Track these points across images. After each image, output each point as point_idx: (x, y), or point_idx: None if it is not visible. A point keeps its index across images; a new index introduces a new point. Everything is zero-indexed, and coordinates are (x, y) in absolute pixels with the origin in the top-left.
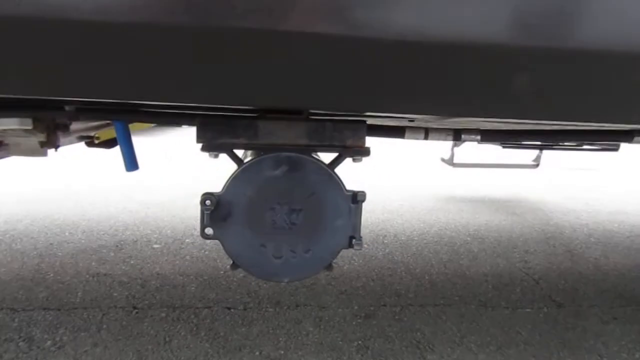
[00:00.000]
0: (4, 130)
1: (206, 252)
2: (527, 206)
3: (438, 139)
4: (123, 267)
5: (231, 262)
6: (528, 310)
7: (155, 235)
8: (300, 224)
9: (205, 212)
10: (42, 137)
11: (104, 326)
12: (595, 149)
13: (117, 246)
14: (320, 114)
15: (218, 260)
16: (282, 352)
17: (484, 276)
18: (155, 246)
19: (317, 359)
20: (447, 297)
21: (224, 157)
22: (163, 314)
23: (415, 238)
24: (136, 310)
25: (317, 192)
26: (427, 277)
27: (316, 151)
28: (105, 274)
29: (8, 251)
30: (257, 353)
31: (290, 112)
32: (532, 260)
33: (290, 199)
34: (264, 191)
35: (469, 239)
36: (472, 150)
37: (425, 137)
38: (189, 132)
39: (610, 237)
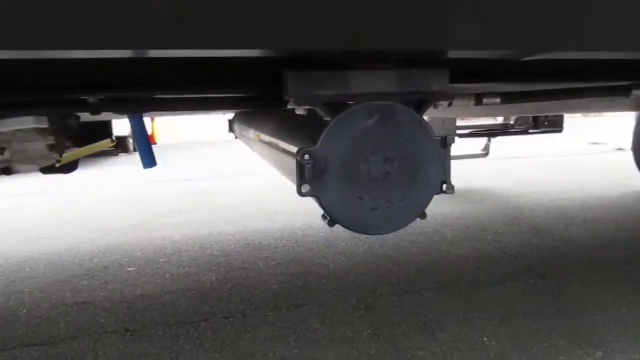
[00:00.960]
0: (13, 132)
1: (186, 269)
2: (484, 193)
3: (462, 105)
4: (102, 293)
5: (327, 219)
6: (515, 284)
7: (126, 259)
8: (394, 172)
9: (307, 165)
10: (51, 140)
11: (100, 352)
12: (540, 131)
13: (88, 274)
14: (406, 61)
15: (201, 275)
16: (296, 350)
17: (465, 258)
18: (130, 269)
19: (333, 352)
20: (438, 281)
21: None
22: (160, 332)
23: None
24: (130, 333)
25: (409, 139)
26: (412, 265)
27: (404, 99)
28: (84, 302)
29: None
30: (271, 355)
31: (377, 60)
32: (504, 240)
33: (384, 148)
34: (358, 142)
35: (439, 227)
36: None
37: (450, 104)
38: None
39: (566, 212)
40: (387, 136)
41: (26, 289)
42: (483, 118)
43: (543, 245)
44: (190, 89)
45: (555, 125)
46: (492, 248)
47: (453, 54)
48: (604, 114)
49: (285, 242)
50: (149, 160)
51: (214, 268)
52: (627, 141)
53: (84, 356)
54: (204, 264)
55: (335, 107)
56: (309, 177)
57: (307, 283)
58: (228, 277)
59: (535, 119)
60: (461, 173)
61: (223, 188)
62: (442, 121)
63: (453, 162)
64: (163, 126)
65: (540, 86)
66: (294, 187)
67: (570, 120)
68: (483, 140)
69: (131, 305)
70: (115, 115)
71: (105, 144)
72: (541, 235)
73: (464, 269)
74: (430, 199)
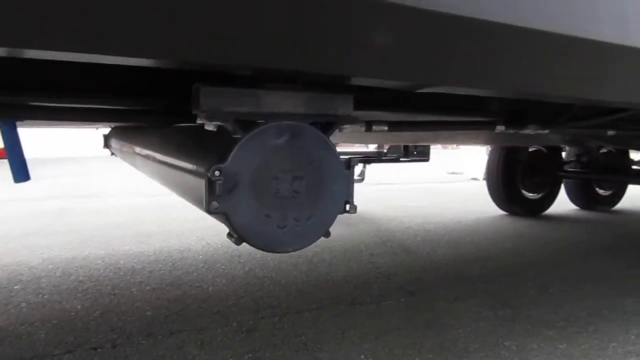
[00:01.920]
0: None
1: (45, 296)
2: (358, 217)
3: (352, 130)
4: None
5: (233, 237)
6: (389, 302)
7: None
8: (302, 191)
9: (217, 182)
10: None
11: None
12: (409, 160)
13: None
14: (313, 84)
15: (64, 302)
16: None
17: (343, 279)
18: None
19: None
20: (318, 301)
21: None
22: None
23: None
24: None
25: (316, 160)
26: (294, 287)
27: (312, 120)
28: None
29: None
30: None
31: (285, 81)
32: (379, 261)
33: (293, 167)
34: (268, 160)
35: (318, 249)
36: None
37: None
38: None
39: (432, 235)
40: (296, 155)
41: None
42: (357, 145)
43: (413, 265)
44: (72, 97)
45: (423, 155)
46: (368, 269)
47: (357, 81)
48: (461, 146)
49: (160, 265)
50: (20, 174)
51: (79, 295)
52: (480, 172)
53: None
54: (67, 291)
55: (246, 124)
56: (218, 194)
57: (185, 308)
58: (96, 305)
59: (405, 148)
60: None
61: (92, 208)
62: None
63: None
64: (29, 137)
65: (422, 117)
66: (168, 209)
67: (433, 150)
68: (359, 167)
69: None
70: None
71: None
72: (411, 256)
73: (343, 289)
74: (335, 218)
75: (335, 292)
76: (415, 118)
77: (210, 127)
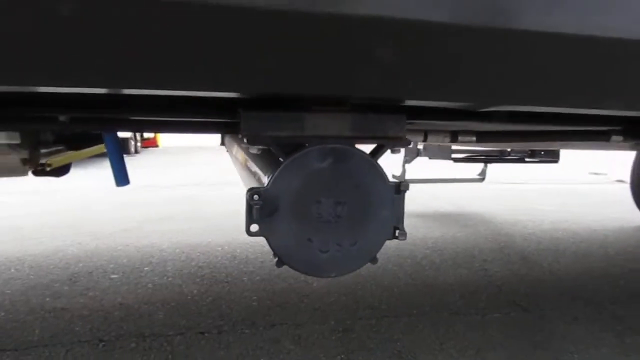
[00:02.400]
0: None
1: (169, 279)
2: (478, 219)
3: (436, 141)
4: (81, 300)
5: (276, 259)
6: (497, 315)
7: (111, 266)
8: (345, 216)
9: (255, 206)
10: (25, 154)
11: None
12: (536, 161)
13: (71, 279)
14: (363, 105)
15: (183, 286)
16: None
17: (449, 285)
18: (113, 276)
19: None
20: (419, 307)
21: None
22: (133, 345)
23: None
24: (103, 343)
25: (361, 184)
26: (396, 289)
27: (359, 142)
28: (62, 309)
29: None
30: None
31: (334, 103)
32: (492, 268)
33: (336, 191)
34: (310, 184)
35: (428, 251)
36: (422, 166)
37: (425, 139)
38: None
39: (558, 244)
40: (340, 179)
41: (8, 291)
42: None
43: (530, 276)
44: (163, 112)
45: (551, 155)
46: (479, 276)
47: (410, 102)
48: None
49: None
50: (122, 179)
51: (197, 280)
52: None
53: None
54: (188, 275)
55: (289, 147)
56: (257, 218)
57: (288, 301)
58: (210, 291)
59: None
60: (457, 197)
61: (220, 196)
62: (438, 146)
63: (450, 186)
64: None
65: (518, 127)
66: None
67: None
68: (480, 165)
69: (108, 314)
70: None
71: (98, 149)
72: (529, 266)
73: (447, 296)
74: (382, 244)
75: (439, 298)
76: (509, 127)
77: (254, 150)
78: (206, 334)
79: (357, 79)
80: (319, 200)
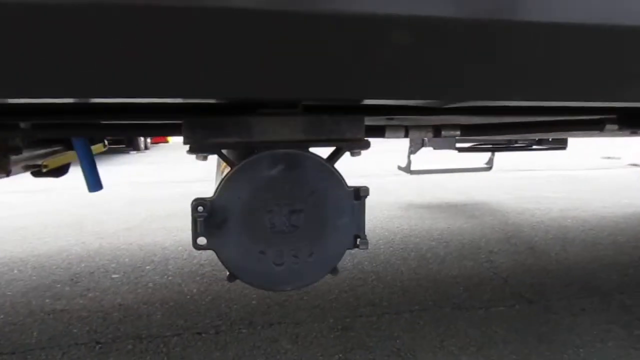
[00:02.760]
0: None
1: (169, 278)
2: (484, 208)
3: (418, 136)
4: (81, 301)
5: (227, 273)
6: (501, 308)
7: (113, 265)
8: (301, 226)
9: (198, 219)
10: None
11: None
12: (544, 148)
13: (72, 280)
14: (317, 106)
15: (183, 285)
16: None
17: (454, 278)
18: (114, 276)
19: None
20: (421, 303)
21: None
22: (129, 346)
23: (382, 246)
24: (100, 345)
25: (317, 190)
26: (398, 284)
27: (313, 146)
28: (62, 310)
29: None
30: None
31: (284, 105)
32: (498, 260)
33: (290, 199)
34: (260, 193)
35: (434, 243)
36: (427, 157)
37: (406, 135)
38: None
39: (566, 233)
40: (293, 186)
41: (9, 293)
42: None
43: (537, 267)
44: (122, 116)
45: (559, 142)
46: (484, 268)
47: (367, 102)
48: None
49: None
50: (94, 184)
51: (197, 279)
52: None
53: None
54: (188, 274)
55: (237, 154)
56: (202, 230)
57: (288, 299)
58: (210, 290)
59: None
60: (464, 187)
61: None
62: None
63: (456, 176)
64: None
65: (505, 119)
66: None
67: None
68: (487, 153)
69: (107, 315)
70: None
71: (97, 148)
72: (536, 256)
73: (451, 290)
74: (342, 254)
75: (442, 293)
76: (498, 120)
77: (200, 159)
78: (203, 334)
79: (306, 80)
80: (271, 210)
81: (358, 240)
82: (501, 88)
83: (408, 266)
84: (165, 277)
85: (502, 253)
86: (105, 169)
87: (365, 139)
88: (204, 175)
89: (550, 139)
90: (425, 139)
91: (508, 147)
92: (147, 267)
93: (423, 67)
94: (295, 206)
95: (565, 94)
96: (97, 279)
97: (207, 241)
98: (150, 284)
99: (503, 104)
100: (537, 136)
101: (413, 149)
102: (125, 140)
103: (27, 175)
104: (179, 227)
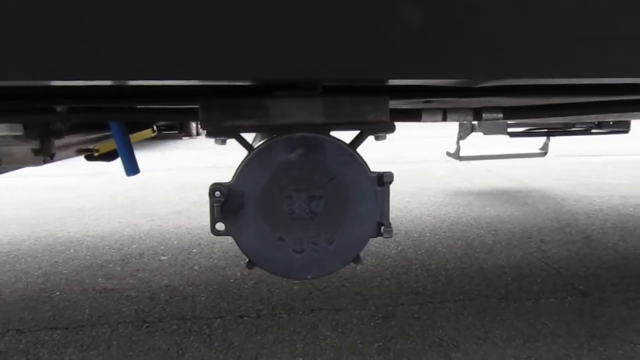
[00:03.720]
0: None
1: (215, 261)
2: (538, 195)
3: (457, 120)
4: (130, 281)
5: (247, 260)
6: (551, 300)
7: (162, 247)
8: (321, 212)
9: (215, 204)
10: (35, 145)
11: (114, 343)
12: (604, 132)
13: (123, 260)
14: (338, 87)
15: (227, 269)
16: (300, 358)
17: (501, 268)
18: (162, 258)
19: None
20: (466, 292)
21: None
22: (174, 327)
23: (427, 234)
24: (146, 325)
25: (338, 176)
26: (443, 273)
27: (334, 129)
28: (112, 289)
29: (12, 272)
30: None
31: (303, 87)
32: (550, 250)
33: (309, 184)
34: (279, 178)
35: (481, 232)
36: (477, 142)
37: (444, 119)
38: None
39: (627, 221)
40: (313, 171)
41: (65, 271)
42: None
43: (592, 257)
44: (156, 100)
45: (621, 125)
46: (534, 258)
47: (393, 82)
48: None
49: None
50: (131, 168)
51: (241, 263)
52: None
53: (98, 345)
54: (232, 258)
55: (262, 139)
56: (220, 216)
57: (329, 286)
58: (253, 274)
59: None
60: (516, 173)
61: None
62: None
63: (508, 162)
64: None
65: (553, 100)
66: None
67: None
68: (541, 138)
69: (154, 296)
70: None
71: (146, 134)
72: (592, 246)
73: (498, 280)
74: (365, 242)
75: (489, 282)
76: (542, 101)
77: (219, 143)
78: (245, 318)
79: (326, 59)
80: (290, 196)
81: (382, 228)
82: (543, 63)
83: (454, 254)
84: (211, 260)
85: (555, 242)
86: (159, 153)
87: (391, 122)
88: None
89: (611, 122)
90: (475, 123)
91: (565, 131)
92: (194, 250)
93: (450, 41)
94: (314, 192)
95: (621, 69)
96: (147, 261)
97: (226, 227)
98: (196, 267)
99: (547, 82)
100: (596, 119)
101: (462, 135)
102: (177, 126)
103: (82, 159)
104: None
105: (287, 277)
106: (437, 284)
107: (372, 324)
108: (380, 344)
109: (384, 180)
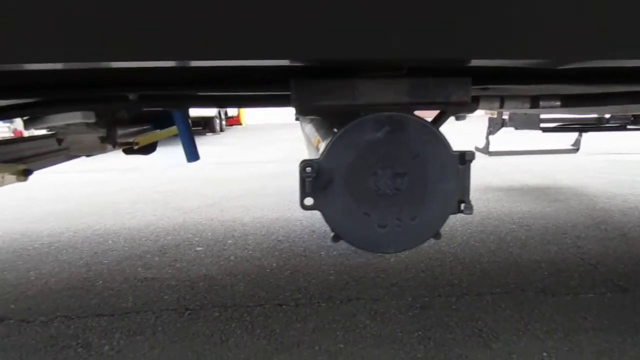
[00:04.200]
0: (67, 126)
1: (250, 252)
2: (570, 192)
3: (515, 107)
4: (170, 271)
5: (332, 234)
6: (590, 295)
7: (197, 239)
8: (405, 189)
9: (307, 179)
10: (102, 133)
11: (159, 329)
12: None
13: (160, 251)
14: (422, 68)
15: (263, 260)
16: (342, 345)
17: (537, 263)
18: (198, 249)
19: (378, 351)
20: (502, 285)
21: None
22: (216, 314)
23: (459, 228)
24: (188, 312)
25: (422, 154)
26: (478, 266)
27: (418, 109)
28: (152, 278)
29: (55, 262)
30: (316, 348)
31: (389, 68)
32: (585, 245)
33: (394, 162)
34: (366, 155)
35: (514, 226)
36: (506, 138)
37: (501, 106)
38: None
39: None
40: (397, 149)
41: (105, 261)
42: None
43: (630, 254)
44: (226, 88)
45: None
46: (570, 254)
47: (475, 62)
48: None
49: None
50: (192, 155)
51: (276, 254)
52: None
53: (144, 330)
54: (267, 249)
55: (343, 117)
56: (310, 191)
57: (365, 276)
58: (288, 264)
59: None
60: (547, 170)
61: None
62: (525, 115)
63: (539, 158)
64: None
65: (614, 88)
66: None
67: None
68: (573, 134)
69: (194, 284)
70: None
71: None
72: (629, 244)
73: (534, 274)
74: (445, 219)
75: (525, 277)
76: (603, 89)
77: (306, 121)
78: (284, 306)
79: (411, 39)
80: (375, 172)
81: (462, 205)
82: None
83: (487, 249)
84: (246, 251)
85: (591, 239)
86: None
87: (470, 102)
88: (276, 156)
89: None
90: (506, 117)
91: (598, 127)
92: (229, 242)
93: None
94: (399, 169)
95: None
96: (183, 251)
97: (314, 201)
98: (232, 257)
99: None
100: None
101: (492, 129)
102: (202, 123)
103: (115, 155)
104: (256, 205)
105: (371, 251)
106: (473, 276)
107: (410, 313)
108: (420, 333)
109: (465, 158)
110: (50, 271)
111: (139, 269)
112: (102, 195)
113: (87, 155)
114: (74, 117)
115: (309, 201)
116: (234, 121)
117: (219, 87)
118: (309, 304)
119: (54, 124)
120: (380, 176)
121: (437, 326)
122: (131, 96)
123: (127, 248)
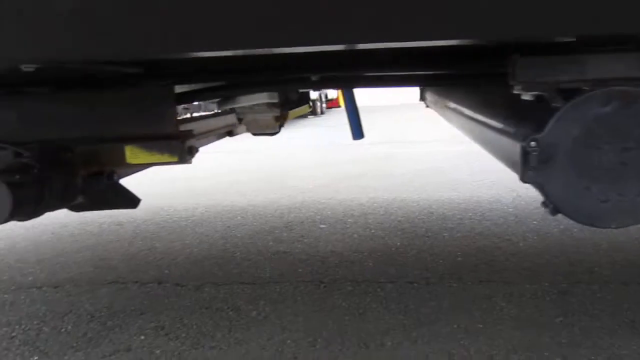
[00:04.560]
0: (252, 106)
1: (372, 231)
2: None
3: None
4: (299, 246)
5: (550, 206)
6: None
7: (318, 217)
8: (630, 164)
9: (533, 153)
10: (277, 112)
11: (298, 299)
12: None
13: (287, 227)
14: None
15: (386, 238)
16: (481, 326)
17: None
18: (322, 226)
19: (519, 333)
20: None
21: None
22: (349, 288)
23: None
24: (323, 285)
25: None
26: (620, 255)
27: None
28: (284, 252)
29: (194, 234)
30: (455, 326)
31: (616, 42)
32: None
33: (621, 136)
34: (591, 130)
35: None
36: None
37: None
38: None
39: None
40: (627, 125)
41: (238, 235)
42: None
43: None
44: (392, 68)
45: None
46: None
47: None
48: None
49: (470, 214)
50: (358, 133)
51: (398, 233)
52: None
53: (286, 299)
54: (389, 229)
55: (567, 93)
56: (533, 165)
57: (494, 259)
58: (413, 244)
59: None
60: None
61: (405, 154)
62: None
63: None
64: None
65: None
66: (487, 159)
67: None
68: None
69: (324, 259)
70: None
71: (305, 108)
72: None
73: None
74: None
75: None
76: None
77: (527, 97)
78: (415, 284)
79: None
80: (600, 147)
81: None
82: None
83: (629, 236)
84: (368, 230)
85: None
86: (291, 129)
87: None
88: (378, 138)
89: None
90: None
91: None
92: (349, 220)
93: None
94: (626, 144)
95: None
96: (308, 228)
97: (535, 175)
98: (355, 235)
99: None
100: None
101: None
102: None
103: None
104: (367, 185)
105: (591, 225)
106: (615, 265)
107: (548, 298)
108: (562, 319)
109: None
110: (192, 242)
111: (270, 243)
112: (225, 176)
113: (259, 134)
114: (261, 98)
115: (529, 175)
116: (333, 104)
117: (398, 68)
118: (439, 283)
119: (244, 104)
120: (606, 151)
121: (580, 313)
122: (314, 77)
123: (255, 224)
